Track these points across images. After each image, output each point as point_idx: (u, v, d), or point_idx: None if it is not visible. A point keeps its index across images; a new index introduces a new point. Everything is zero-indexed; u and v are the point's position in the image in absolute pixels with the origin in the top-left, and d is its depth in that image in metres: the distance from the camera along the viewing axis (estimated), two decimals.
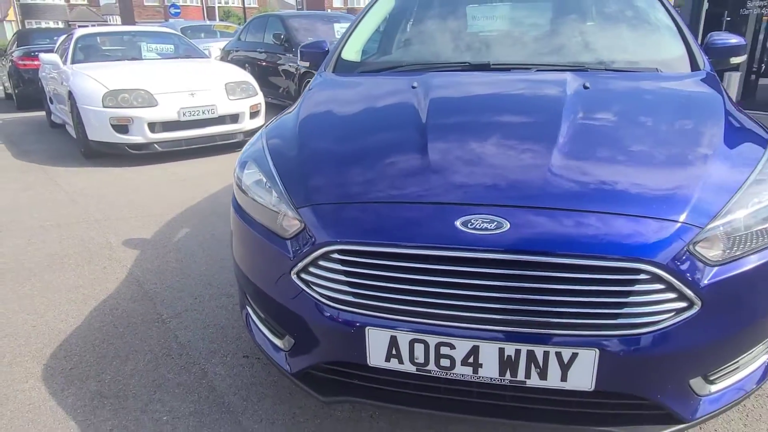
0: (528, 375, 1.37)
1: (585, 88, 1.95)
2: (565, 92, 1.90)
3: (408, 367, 1.43)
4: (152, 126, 5.46)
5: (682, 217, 1.35)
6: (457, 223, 1.38)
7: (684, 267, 1.31)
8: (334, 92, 2.31)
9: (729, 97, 2.04)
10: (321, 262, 1.47)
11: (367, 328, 1.42)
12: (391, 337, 1.41)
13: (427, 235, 1.39)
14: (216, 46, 10.15)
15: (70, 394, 2.00)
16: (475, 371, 1.39)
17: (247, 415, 1.88)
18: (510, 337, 1.34)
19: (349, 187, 1.59)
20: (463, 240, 1.35)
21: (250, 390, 2.01)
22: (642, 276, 1.29)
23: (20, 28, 38.74)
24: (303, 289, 1.51)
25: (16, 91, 10.15)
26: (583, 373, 1.34)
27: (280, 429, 1.81)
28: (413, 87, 2.07)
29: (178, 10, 31.06)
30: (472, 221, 1.37)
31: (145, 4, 45.46)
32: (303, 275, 1.51)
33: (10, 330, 2.44)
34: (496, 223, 1.36)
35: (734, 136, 1.73)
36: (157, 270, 3.02)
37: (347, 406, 1.89)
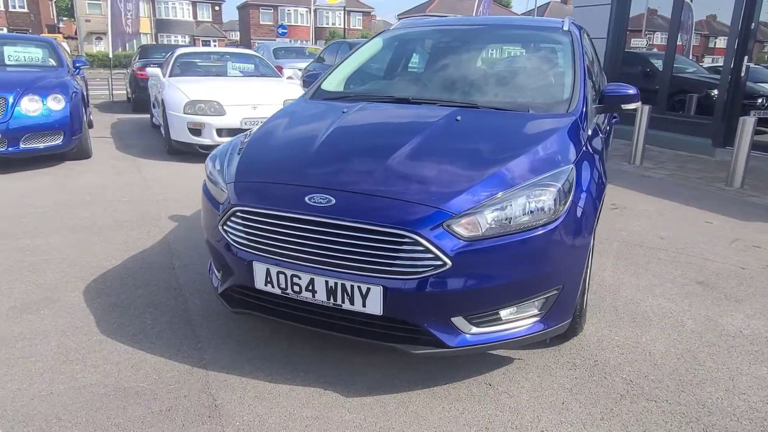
0: (343, 300, 2.11)
1: (457, 120, 2.65)
2: (437, 121, 2.61)
3: (276, 290, 2.22)
4: (219, 131, 6.63)
5: (442, 206, 2.03)
6: (306, 199, 2.15)
7: (438, 238, 1.99)
8: (293, 112, 3.14)
9: (575, 133, 2.60)
10: (232, 218, 2.30)
11: (253, 262, 2.23)
12: (267, 269, 2.21)
13: (287, 204, 2.18)
14: (294, 66, 11.46)
15: (97, 302, 2.98)
16: (313, 296, 2.15)
17: (202, 327, 2.74)
18: (330, 274, 2.09)
19: (252, 174, 2.42)
20: (307, 208, 2.13)
21: (210, 314, 2.87)
22: (407, 240, 2.00)
23: (154, 40, 43.74)
24: (223, 236, 2.34)
25: (133, 96, 12.02)
26: (375, 302, 2.06)
27: (219, 335, 2.65)
28: (343, 112, 2.86)
29: (285, 30, 33.96)
30: (315, 198, 2.15)
31: (261, 23, 49.69)
32: (224, 226, 2.35)
33: (72, 262, 3.51)
34: (327, 199, 2.13)
35: (542, 156, 2.32)
36: (184, 237, 4.01)
37: (267, 332, 2.70)
